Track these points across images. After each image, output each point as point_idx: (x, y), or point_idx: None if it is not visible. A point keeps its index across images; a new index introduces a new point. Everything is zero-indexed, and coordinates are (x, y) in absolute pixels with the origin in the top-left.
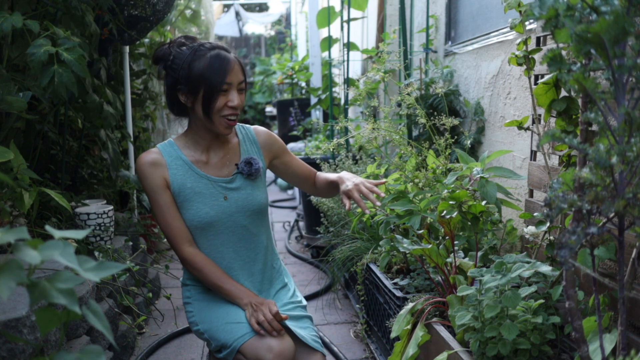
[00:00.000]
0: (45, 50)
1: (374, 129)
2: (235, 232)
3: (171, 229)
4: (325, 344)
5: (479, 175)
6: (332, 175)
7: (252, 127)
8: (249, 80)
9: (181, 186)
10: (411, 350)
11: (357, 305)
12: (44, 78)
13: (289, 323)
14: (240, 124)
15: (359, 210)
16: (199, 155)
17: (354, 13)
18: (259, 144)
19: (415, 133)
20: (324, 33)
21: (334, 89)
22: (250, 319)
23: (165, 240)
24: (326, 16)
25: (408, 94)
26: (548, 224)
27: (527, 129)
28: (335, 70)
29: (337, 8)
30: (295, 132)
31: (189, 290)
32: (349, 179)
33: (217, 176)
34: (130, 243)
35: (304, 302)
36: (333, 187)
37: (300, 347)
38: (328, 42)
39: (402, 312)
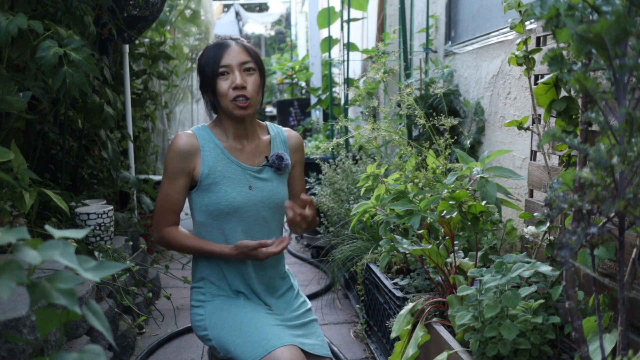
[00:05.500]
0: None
1: (373, 129)
2: (257, 222)
3: (165, 209)
4: None
5: (479, 175)
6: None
7: (285, 129)
8: None
9: (211, 169)
10: (411, 350)
11: (357, 305)
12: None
13: (300, 340)
14: (273, 124)
15: (360, 210)
16: (232, 142)
17: (354, 13)
18: (289, 146)
19: (415, 133)
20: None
21: (334, 89)
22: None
23: None
24: (326, 16)
25: (408, 94)
26: (548, 224)
27: (527, 129)
28: (335, 70)
29: (338, 8)
30: None
31: (202, 293)
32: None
33: (247, 164)
34: (130, 243)
35: (309, 304)
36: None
37: (310, 354)
38: (328, 43)
39: (402, 312)
